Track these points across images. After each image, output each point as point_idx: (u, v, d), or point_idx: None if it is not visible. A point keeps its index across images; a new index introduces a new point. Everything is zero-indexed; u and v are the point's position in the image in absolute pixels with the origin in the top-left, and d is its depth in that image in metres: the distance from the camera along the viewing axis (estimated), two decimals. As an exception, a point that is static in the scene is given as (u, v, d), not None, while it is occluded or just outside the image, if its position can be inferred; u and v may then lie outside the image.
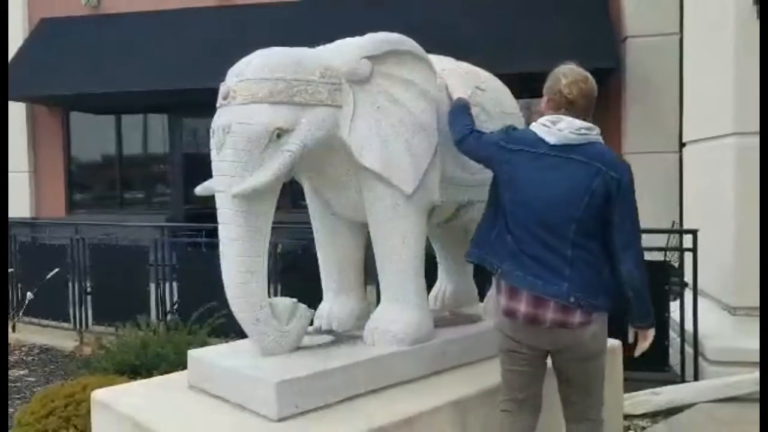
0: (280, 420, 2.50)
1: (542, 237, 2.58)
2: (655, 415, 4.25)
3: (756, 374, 4.36)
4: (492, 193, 2.81)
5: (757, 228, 4.54)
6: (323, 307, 3.32)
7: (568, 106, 2.64)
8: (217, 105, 2.73)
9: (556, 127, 2.60)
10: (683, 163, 6.11)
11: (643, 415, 4.23)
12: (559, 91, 2.65)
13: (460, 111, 3.01)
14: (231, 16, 9.90)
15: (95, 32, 10.45)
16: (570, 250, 2.57)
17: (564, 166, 2.58)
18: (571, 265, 2.56)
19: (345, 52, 2.92)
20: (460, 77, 3.30)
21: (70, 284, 6.77)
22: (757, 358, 4.39)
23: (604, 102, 9.24)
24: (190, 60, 9.37)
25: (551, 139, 2.60)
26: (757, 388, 4.33)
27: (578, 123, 2.61)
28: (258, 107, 2.62)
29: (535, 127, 2.67)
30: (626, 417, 4.02)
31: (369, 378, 2.82)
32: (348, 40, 3.01)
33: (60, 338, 6.57)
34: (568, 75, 2.66)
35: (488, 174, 3.33)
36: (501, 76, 3.68)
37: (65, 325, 6.76)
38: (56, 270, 6.39)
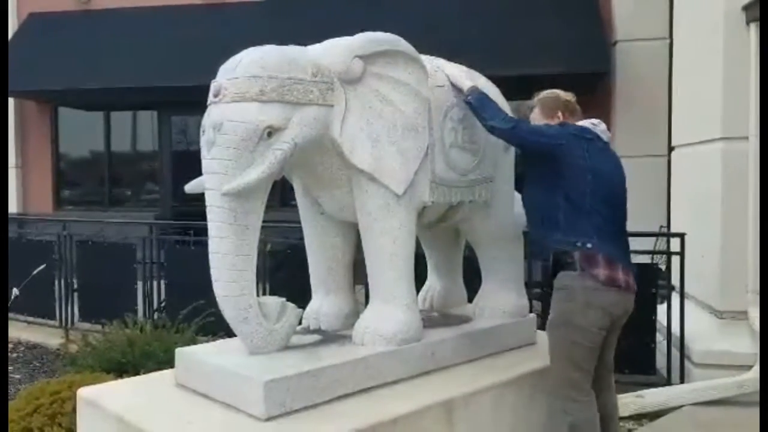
0: (268, 419, 2.50)
1: (617, 212, 3.06)
2: (641, 418, 4.27)
3: (740, 377, 4.40)
4: (553, 181, 2.97)
5: (743, 232, 4.58)
6: (312, 306, 3.32)
7: (575, 111, 3.18)
8: (208, 102, 2.72)
9: (600, 128, 3.11)
10: (671, 167, 6.14)
11: (629, 418, 4.25)
12: (567, 101, 3.19)
13: (488, 99, 3.16)
14: (222, 13, 9.87)
15: (84, 28, 10.39)
16: (625, 224, 3.14)
17: (615, 157, 3.15)
18: (626, 236, 3.11)
19: (337, 51, 2.92)
20: (456, 67, 3.40)
21: (56, 281, 6.72)
22: (743, 362, 4.45)
23: (594, 105, 9.29)
24: (180, 57, 9.33)
25: (604, 136, 3.10)
26: (741, 391, 4.38)
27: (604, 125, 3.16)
28: (249, 105, 2.62)
29: (586, 125, 3.10)
30: (612, 419, 4.04)
31: (357, 378, 2.82)
32: (340, 39, 3.01)
33: (46, 335, 6.52)
34: (554, 90, 3.23)
35: (478, 175, 3.35)
36: (492, 79, 3.69)
37: (51, 322, 6.71)
38: (43, 266, 6.35)
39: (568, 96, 3.20)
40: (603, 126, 3.14)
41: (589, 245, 2.88)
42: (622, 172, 3.13)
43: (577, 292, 2.86)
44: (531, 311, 3.87)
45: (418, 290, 3.37)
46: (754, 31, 4.49)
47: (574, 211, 2.91)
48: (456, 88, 3.27)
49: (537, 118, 3.20)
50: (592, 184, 2.93)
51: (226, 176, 2.60)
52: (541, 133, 3.05)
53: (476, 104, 3.15)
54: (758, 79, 4.47)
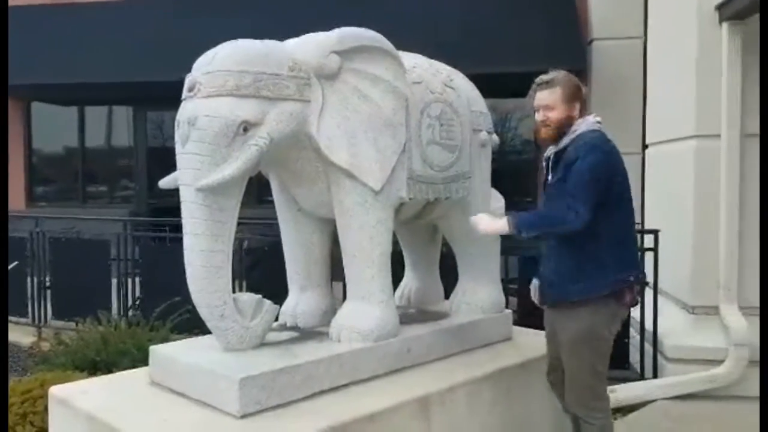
0: (243, 416, 2.48)
1: (634, 229, 2.99)
2: (615, 412, 4.31)
3: (712, 371, 4.47)
4: (611, 216, 2.76)
5: (715, 229, 4.64)
6: (288, 303, 3.31)
7: (585, 104, 2.99)
8: (183, 97, 2.69)
9: (601, 125, 2.92)
10: (645, 165, 6.21)
11: (604, 412, 4.29)
12: (585, 95, 2.98)
13: (532, 217, 2.91)
14: (198, 6, 9.76)
15: (58, 22, 10.22)
16: None
17: None
18: None
19: (314, 46, 2.90)
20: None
21: (28, 278, 6.62)
22: (715, 356, 4.52)
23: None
24: (156, 52, 9.22)
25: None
26: (712, 385, 4.45)
27: None
28: (224, 100, 2.59)
29: (599, 127, 2.90)
30: (587, 413, 4.08)
31: (333, 375, 2.81)
32: (317, 34, 3.00)
33: (17, 333, 6.41)
34: (567, 75, 2.95)
35: (455, 172, 3.36)
36: (468, 77, 3.70)
37: (23, 320, 6.61)
38: (15, 263, 6.24)
39: (583, 87, 3.00)
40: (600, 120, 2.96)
41: (632, 277, 2.82)
42: None
43: (602, 305, 2.78)
44: (507, 307, 3.89)
45: (395, 287, 3.37)
46: (726, 30, 4.56)
47: (624, 241, 2.83)
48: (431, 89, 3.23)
49: (554, 101, 2.88)
50: (630, 209, 2.88)
51: (201, 171, 2.57)
52: (590, 190, 2.71)
53: (532, 228, 2.84)
54: (728, 77, 4.54)
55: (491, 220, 2.90)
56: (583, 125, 2.88)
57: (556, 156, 2.93)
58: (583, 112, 2.97)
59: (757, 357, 4.39)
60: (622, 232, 2.81)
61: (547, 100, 2.90)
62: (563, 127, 2.89)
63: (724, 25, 4.56)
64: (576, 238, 2.75)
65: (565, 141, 2.89)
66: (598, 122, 2.91)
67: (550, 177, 2.94)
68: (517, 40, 8.40)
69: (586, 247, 2.77)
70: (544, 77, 2.94)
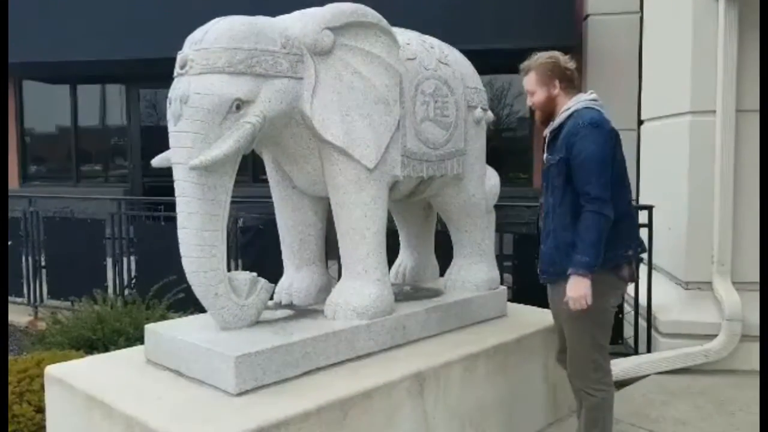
0: (239, 394, 2.50)
1: (631, 204, 2.97)
2: (609, 387, 4.36)
3: (705, 346, 4.52)
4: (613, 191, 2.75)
5: (709, 205, 4.65)
6: (284, 281, 3.31)
7: (573, 80, 2.93)
8: (174, 74, 2.66)
9: (599, 103, 2.88)
10: (640, 141, 6.20)
11: (598, 387, 4.33)
12: (567, 69, 2.91)
13: (579, 240, 2.73)
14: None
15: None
16: None
17: None
18: None
19: (307, 22, 2.87)
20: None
21: (23, 258, 6.62)
22: (708, 331, 4.56)
23: (566, 79, 9.32)
24: (147, 28, 9.12)
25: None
26: (705, 359, 4.49)
27: None
28: (216, 77, 2.57)
29: (593, 105, 2.84)
30: (581, 388, 4.12)
31: (329, 352, 2.83)
32: (310, 10, 2.96)
33: (14, 313, 6.42)
34: (557, 55, 2.96)
35: (450, 149, 3.35)
36: (463, 52, 3.68)
37: (19, 299, 6.62)
38: (9, 243, 6.23)
39: (567, 63, 2.94)
40: (597, 97, 2.93)
41: (630, 252, 2.85)
42: None
43: (600, 279, 2.75)
44: (502, 284, 3.91)
45: (390, 264, 3.38)
46: (722, 6, 4.52)
47: (623, 220, 2.81)
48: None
49: (532, 85, 2.95)
50: (626, 181, 2.88)
51: (194, 150, 2.55)
52: (600, 176, 2.70)
53: (593, 254, 2.70)
54: (724, 53, 4.51)
55: (575, 287, 2.71)
56: (577, 102, 2.86)
57: (552, 134, 2.92)
58: (569, 87, 2.92)
59: (750, 332, 4.44)
60: (621, 208, 2.79)
61: (527, 86, 2.99)
62: (547, 107, 2.94)
63: (721, 0, 4.53)
64: (575, 215, 2.75)
65: (559, 119, 2.88)
66: (594, 100, 2.88)
67: (548, 155, 2.92)
68: (511, 16, 8.33)
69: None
70: (522, 64, 2.99)
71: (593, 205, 2.69)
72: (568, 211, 2.80)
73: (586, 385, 2.89)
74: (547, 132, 2.97)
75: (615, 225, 2.76)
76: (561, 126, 2.86)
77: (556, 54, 2.95)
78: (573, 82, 2.93)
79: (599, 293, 2.77)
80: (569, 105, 2.86)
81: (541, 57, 2.95)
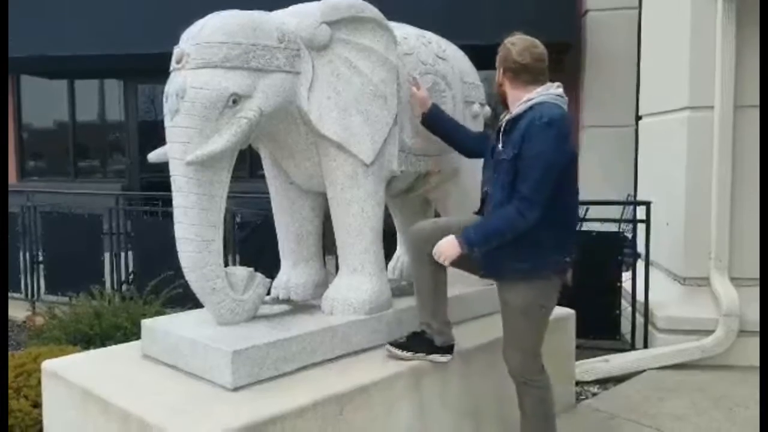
0: (236, 389, 2.50)
1: (577, 207, 2.93)
2: (606, 382, 4.37)
3: (702, 342, 4.52)
4: (555, 201, 2.67)
5: (707, 201, 4.66)
6: (281, 276, 3.31)
7: (527, 72, 2.75)
8: (171, 69, 2.65)
9: (564, 99, 2.77)
10: (639, 136, 6.20)
11: (594, 382, 4.35)
12: (514, 62, 2.76)
13: (480, 228, 2.73)
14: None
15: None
16: None
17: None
18: None
19: (304, 16, 2.86)
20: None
21: (21, 253, 6.61)
22: (705, 327, 4.56)
23: (563, 75, 9.31)
24: (145, 23, 9.10)
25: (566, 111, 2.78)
26: (702, 355, 4.50)
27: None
28: (213, 72, 2.56)
29: (559, 102, 2.74)
30: (578, 383, 4.14)
31: (326, 347, 2.83)
32: (306, 4, 2.96)
33: (11, 308, 6.37)
34: (516, 43, 2.79)
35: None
36: (461, 47, 3.67)
37: (16, 295, 6.61)
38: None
39: (519, 56, 2.75)
40: (562, 90, 2.80)
41: (573, 256, 2.82)
42: None
43: (543, 280, 2.78)
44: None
45: (387, 260, 3.37)
46: (721, 2, 4.52)
47: (565, 223, 2.78)
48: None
49: (499, 72, 2.85)
50: (575, 184, 2.81)
51: (190, 145, 2.55)
52: (553, 167, 2.63)
53: (484, 244, 2.73)
54: (723, 49, 4.51)
55: (446, 245, 2.75)
56: (540, 95, 2.72)
57: (509, 125, 2.78)
58: (514, 80, 2.78)
59: (747, 327, 4.45)
60: (565, 215, 2.76)
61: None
62: (503, 96, 2.86)
63: (719, -5, 4.53)
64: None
65: (517, 110, 2.74)
66: (559, 95, 2.75)
67: (501, 148, 2.78)
68: (510, 11, 8.31)
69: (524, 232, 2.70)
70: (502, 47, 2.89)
71: (520, 204, 2.63)
72: None
73: (531, 378, 2.87)
74: (503, 121, 2.85)
75: (557, 230, 2.72)
76: (519, 117, 2.73)
77: (517, 42, 2.79)
78: (519, 76, 2.76)
79: (542, 295, 2.79)
80: (531, 96, 2.73)
81: (507, 40, 2.83)
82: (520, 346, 2.85)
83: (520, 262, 2.72)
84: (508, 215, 2.66)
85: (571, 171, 2.76)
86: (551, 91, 2.75)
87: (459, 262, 2.83)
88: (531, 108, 2.70)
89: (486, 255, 2.79)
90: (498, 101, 2.98)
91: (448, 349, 2.96)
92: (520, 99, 2.75)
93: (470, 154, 3.20)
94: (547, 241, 2.71)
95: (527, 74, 2.75)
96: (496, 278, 2.88)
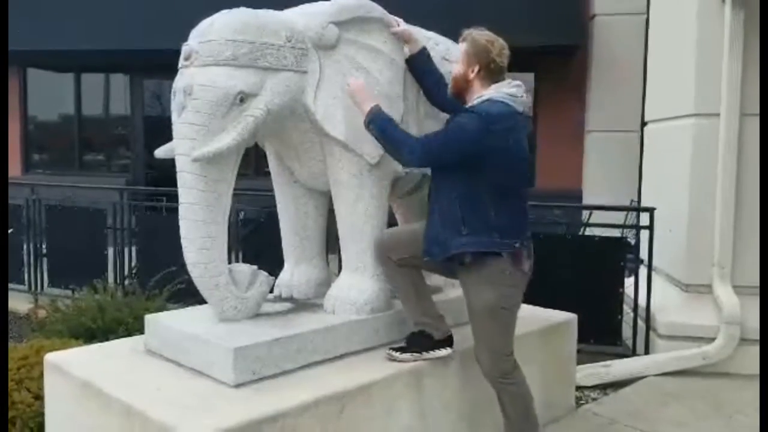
0: (237, 386, 2.51)
1: (525, 198, 2.87)
2: (606, 387, 4.37)
3: (703, 348, 4.52)
4: (479, 181, 2.69)
5: (711, 208, 4.65)
6: (284, 274, 3.32)
7: (501, 73, 2.80)
8: (179, 66, 2.67)
9: (521, 98, 2.76)
10: (643, 142, 6.20)
11: (595, 387, 4.34)
12: (493, 61, 2.77)
13: (389, 124, 2.77)
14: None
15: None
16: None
17: (527, 125, 2.87)
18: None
19: (311, 16, 2.87)
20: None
21: (25, 246, 6.63)
22: (707, 334, 4.56)
23: (569, 79, 9.31)
24: (152, 19, 9.12)
25: (521, 109, 2.77)
26: (704, 362, 4.49)
27: (524, 87, 2.81)
28: (221, 70, 2.57)
29: (505, 99, 2.73)
30: (578, 388, 4.13)
31: (327, 346, 2.84)
32: (315, 4, 2.97)
33: (14, 300, 6.41)
34: (494, 44, 2.80)
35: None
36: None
37: (20, 287, 6.62)
38: (11, 230, 6.24)
39: (498, 56, 2.77)
40: (523, 90, 2.80)
41: (525, 242, 2.80)
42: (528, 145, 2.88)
43: (513, 278, 2.78)
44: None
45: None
46: (729, 9, 4.51)
47: (509, 208, 2.76)
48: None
49: (461, 57, 2.85)
50: (518, 177, 2.78)
51: (197, 141, 2.56)
52: (460, 143, 2.67)
53: (378, 134, 2.78)
54: (729, 56, 4.50)
55: (365, 90, 2.82)
56: (496, 92, 2.74)
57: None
58: (486, 77, 2.78)
59: (749, 335, 4.44)
60: (508, 202, 2.75)
61: (458, 53, 2.91)
62: (459, 84, 2.84)
63: (727, 3, 4.52)
64: (462, 195, 2.73)
65: (472, 103, 2.77)
66: (512, 95, 2.75)
67: None
68: (517, 14, 8.31)
69: (468, 206, 2.73)
70: (465, 31, 2.89)
71: (417, 144, 2.73)
72: (454, 189, 2.74)
73: (504, 377, 2.88)
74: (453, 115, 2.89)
75: (501, 214, 2.72)
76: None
77: (495, 41, 2.80)
78: (493, 75, 2.78)
79: (511, 297, 2.80)
80: (488, 93, 2.75)
81: (481, 35, 2.82)
82: (488, 347, 2.86)
83: (462, 237, 2.73)
84: (406, 141, 2.74)
85: (510, 163, 2.71)
86: (503, 90, 2.75)
87: (424, 263, 2.92)
88: (484, 102, 2.74)
89: (434, 238, 2.80)
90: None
91: (447, 341, 2.99)
92: (481, 94, 2.77)
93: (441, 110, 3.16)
94: (493, 221, 2.71)
95: (501, 75, 2.80)
96: (440, 259, 2.83)
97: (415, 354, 2.92)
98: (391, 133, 2.75)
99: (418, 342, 2.96)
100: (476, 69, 2.78)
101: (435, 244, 2.80)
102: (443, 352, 2.97)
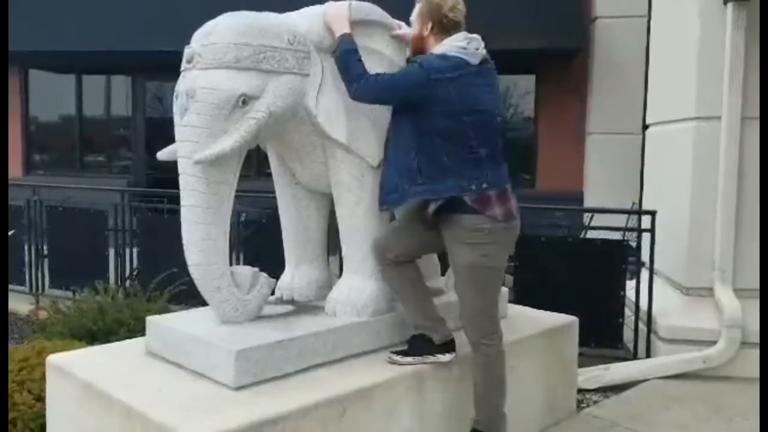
0: (238, 388, 2.51)
1: (497, 141, 2.87)
2: (608, 390, 4.36)
3: (704, 352, 4.51)
4: (430, 126, 2.75)
5: (712, 211, 4.65)
6: (285, 276, 3.32)
7: (455, 28, 2.86)
8: (182, 68, 2.67)
9: (473, 49, 2.81)
10: (645, 145, 6.20)
11: (596, 390, 4.34)
12: (445, 17, 2.85)
13: (352, 55, 2.80)
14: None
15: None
16: (503, 149, 2.92)
17: (488, 76, 2.87)
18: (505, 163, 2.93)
19: (314, 19, 2.88)
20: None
21: (26, 247, 6.63)
22: (708, 337, 4.55)
23: (570, 81, 9.32)
24: (154, 20, 9.13)
25: (474, 60, 2.81)
26: (705, 365, 4.49)
27: (480, 40, 2.86)
28: (223, 72, 2.58)
29: (454, 51, 2.78)
30: (579, 391, 4.13)
31: (328, 348, 2.84)
32: (317, 7, 2.97)
33: (15, 301, 6.42)
34: (447, 0, 2.86)
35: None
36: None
37: (20, 288, 6.62)
38: (12, 231, 6.24)
39: (450, 11, 2.84)
40: (477, 42, 2.84)
41: (484, 185, 2.77)
42: (497, 93, 2.96)
43: (489, 234, 2.77)
44: (503, 285, 3.90)
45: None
46: (731, 11, 4.52)
47: (459, 155, 2.76)
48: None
49: (414, 17, 2.94)
50: (469, 129, 2.76)
51: (199, 144, 2.57)
52: (398, 86, 2.78)
53: (337, 62, 2.83)
54: (731, 59, 4.50)
55: (341, 19, 2.85)
56: (448, 47, 2.80)
57: None
58: (440, 33, 2.85)
59: (750, 339, 4.44)
60: (463, 149, 2.76)
61: (412, 16, 2.97)
62: (416, 44, 2.96)
63: (729, 5, 4.52)
64: (416, 142, 2.78)
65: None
66: (461, 47, 2.79)
67: None
68: (518, 17, 8.31)
69: (423, 155, 2.78)
70: None
71: (369, 79, 2.76)
72: (410, 139, 2.80)
73: (481, 339, 2.89)
74: None
75: (454, 156, 2.75)
76: None
77: None
78: (447, 31, 2.85)
79: (494, 256, 2.80)
80: (440, 48, 2.81)
81: None
82: (470, 305, 2.88)
83: (418, 186, 2.80)
84: (357, 73, 2.77)
85: (467, 113, 2.75)
86: (454, 44, 2.81)
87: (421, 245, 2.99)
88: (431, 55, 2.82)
89: (392, 185, 2.87)
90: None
91: (449, 345, 2.98)
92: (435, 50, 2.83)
93: None
94: (446, 168, 2.75)
95: (455, 30, 2.86)
96: (398, 205, 2.93)
97: (416, 358, 2.92)
98: (346, 62, 2.79)
99: (419, 345, 2.96)
100: (429, 26, 2.87)
101: (392, 192, 2.88)
102: (445, 357, 2.96)
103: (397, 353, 2.93)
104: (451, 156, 2.76)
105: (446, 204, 2.81)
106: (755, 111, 4.51)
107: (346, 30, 2.84)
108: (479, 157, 2.78)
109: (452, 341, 3.00)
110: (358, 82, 2.77)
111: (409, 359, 2.91)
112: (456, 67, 2.76)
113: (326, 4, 2.95)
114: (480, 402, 2.94)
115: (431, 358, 2.94)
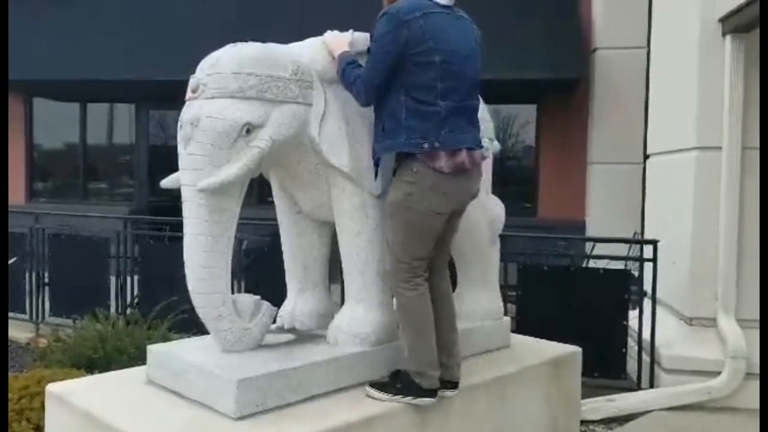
0: (240, 418, 2.48)
1: (464, 88, 2.81)
2: (611, 421, 4.32)
3: (708, 383, 4.48)
4: (397, 82, 2.74)
5: (714, 241, 4.65)
6: (287, 305, 3.30)
7: None
8: (186, 98, 2.69)
9: None
10: (646, 175, 6.22)
11: (599, 421, 4.30)
12: None
13: (347, 69, 2.84)
14: (204, 4, 9.77)
15: (62, 16, 10.23)
16: (474, 100, 2.90)
17: (458, 22, 2.86)
18: (475, 114, 2.92)
19: (317, 50, 2.92)
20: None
21: (27, 274, 6.62)
22: (711, 368, 4.52)
23: (571, 111, 9.39)
24: (158, 51, 9.24)
25: (444, 1, 2.82)
26: (709, 397, 4.45)
27: None
28: (227, 102, 2.60)
29: None
30: (583, 422, 4.09)
31: (331, 378, 2.81)
32: (319, 38, 3.01)
33: (15, 329, 6.41)
34: None
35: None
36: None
37: (21, 316, 6.61)
38: (14, 259, 6.25)
39: None
40: None
41: (436, 144, 2.71)
42: (470, 39, 2.90)
43: (422, 176, 2.73)
44: (506, 314, 3.90)
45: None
46: (729, 43, 4.57)
47: (418, 110, 2.73)
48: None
49: None
50: (437, 74, 2.73)
51: (203, 172, 2.58)
52: (377, 53, 2.75)
53: (341, 79, 2.87)
54: (730, 90, 4.55)
55: (339, 42, 2.90)
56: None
57: None
58: None
59: (754, 370, 4.40)
60: (422, 104, 2.73)
61: None
62: (387, 4, 2.90)
63: (728, 37, 4.58)
64: (385, 107, 2.80)
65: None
66: None
67: None
68: (519, 47, 8.41)
69: (388, 113, 2.79)
70: None
71: (360, 85, 2.77)
72: (384, 100, 2.80)
73: (397, 286, 2.84)
74: None
75: (413, 113, 2.73)
76: None
77: None
78: None
79: (421, 193, 2.73)
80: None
81: None
82: (389, 246, 2.84)
83: (381, 142, 2.83)
84: (354, 84, 2.80)
85: (436, 57, 2.72)
86: None
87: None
88: None
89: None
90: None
91: (434, 392, 2.84)
92: None
93: None
94: (403, 124, 2.74)
95: None
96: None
97: (395, 397, 2.79)
98: (347, 75, 2.83)
99: (403, 383, 2.81)
100: None
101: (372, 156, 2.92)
102: (425, 401, 2.81)
103: (375, 386, 2.84)
104: (410, 112, 2.74)
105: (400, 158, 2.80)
106: (755, 141, 4.54)
107: (343, 49, 2.88)
108: (438, 112, 2.73)
109: (436, 391, 2.86)
110: (357, 85, 2.80)
111: (384, 395, 2.79)
112: (423, 6, 2.75)
113: (326, 33, 3.00)
114: (405, 347, 2.87)
115: (405, 399, 2.79)
